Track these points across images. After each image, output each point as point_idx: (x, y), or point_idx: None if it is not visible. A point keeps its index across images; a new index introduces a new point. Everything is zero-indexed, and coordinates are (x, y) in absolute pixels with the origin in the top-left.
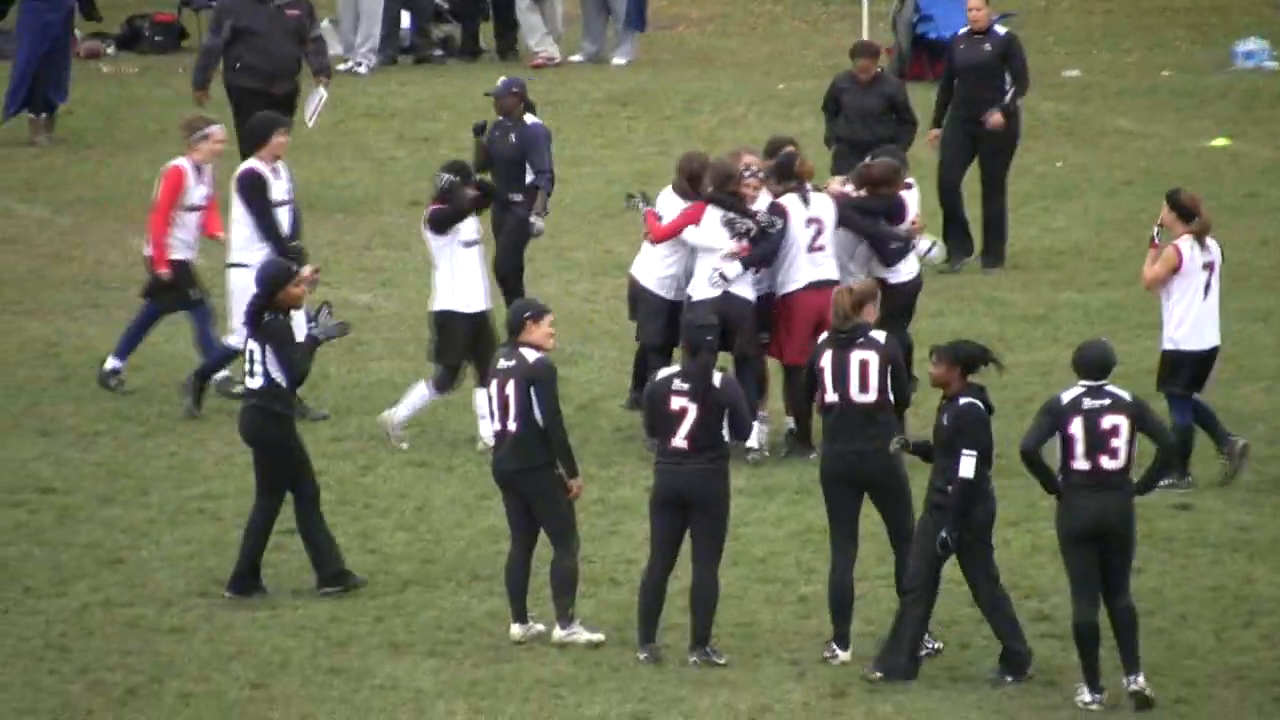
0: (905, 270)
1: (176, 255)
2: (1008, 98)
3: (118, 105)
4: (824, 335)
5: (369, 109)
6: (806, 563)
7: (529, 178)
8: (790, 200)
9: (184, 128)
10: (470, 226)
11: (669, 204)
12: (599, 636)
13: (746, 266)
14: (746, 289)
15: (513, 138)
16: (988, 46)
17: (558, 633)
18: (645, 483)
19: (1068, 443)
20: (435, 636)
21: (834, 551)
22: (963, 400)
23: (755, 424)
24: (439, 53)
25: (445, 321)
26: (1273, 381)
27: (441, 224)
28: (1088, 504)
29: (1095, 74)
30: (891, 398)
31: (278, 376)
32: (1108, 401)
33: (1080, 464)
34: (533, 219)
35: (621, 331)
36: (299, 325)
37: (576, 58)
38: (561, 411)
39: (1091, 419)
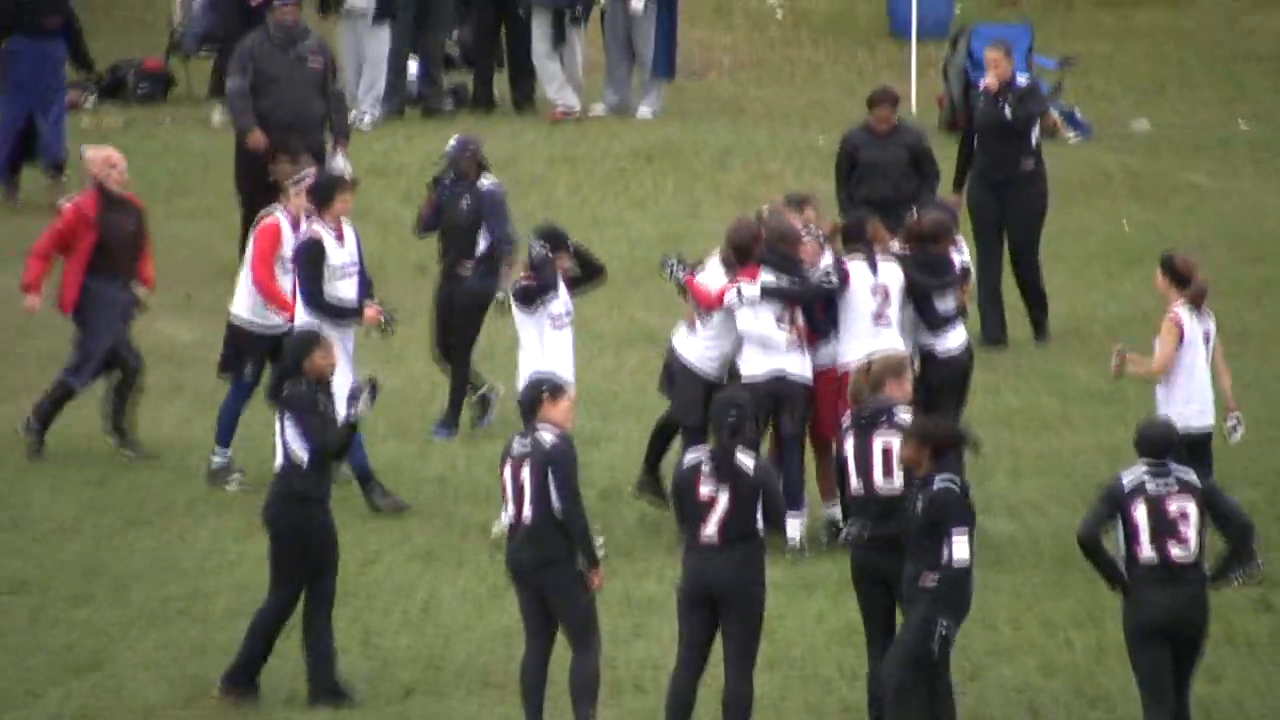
0: (954, 340)
1: (238, 314)
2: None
3: None
4: (846, 419)
5: (373, 165)
6: (850, 664)
7: (481, 246)
8: (856, 265)
9: (279, 176)
10: (563, 303)
11: (715, 277)
12: None
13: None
14: (805, 368)
15: (466, 202)
16: (1004, 105)
17: None
18: (673, 577)
19: (1132, 530)
20: None
21: (870, 652)
22: (936, 483)
23: (793, 514)
24: (450, 104)
25: None
26: None
27: (531, 299)
28: (1157, 597)
29: (1166, 125)
30: None
31: (298, 453)
32: (1174, 484)
33: (1147, 553)
34: (503, 295)
35: (649, 409)
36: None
37: (599, 109)
38: (581, 497)
39: (1157, 503)
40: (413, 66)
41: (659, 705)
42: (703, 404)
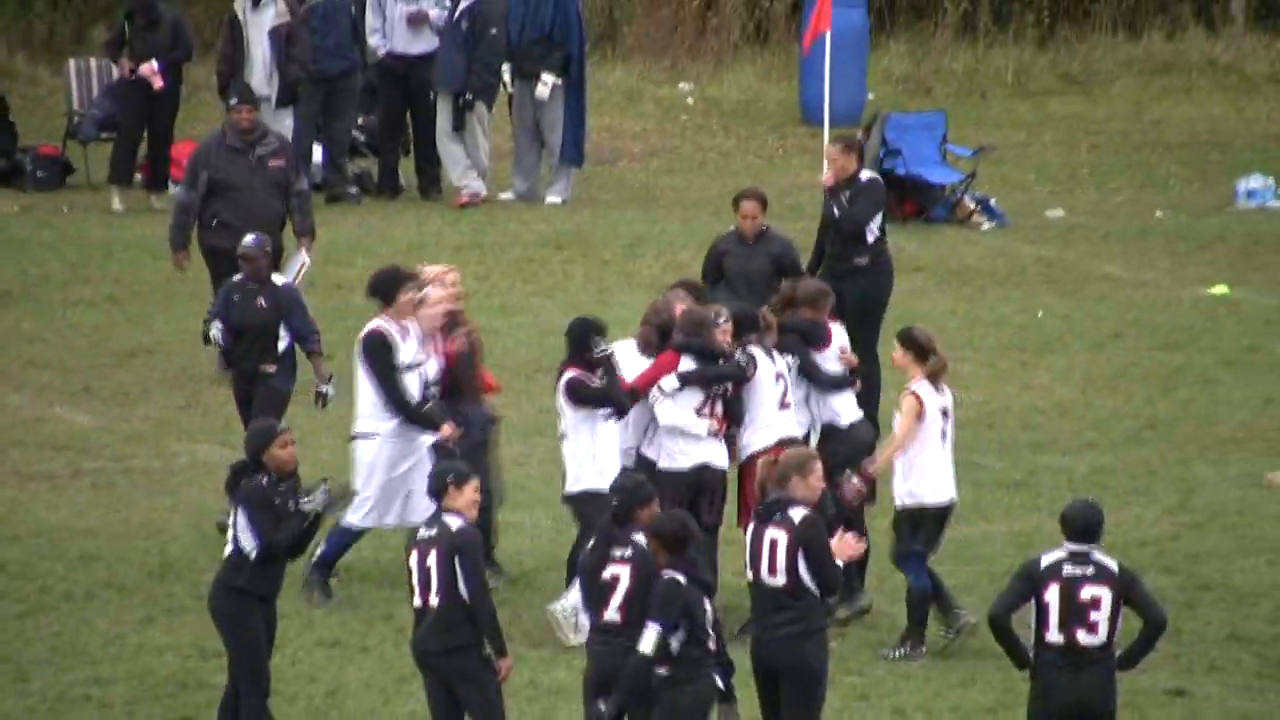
0: (851, 409)
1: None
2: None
3: None
4: (754, 507)
5: None
6: None
7: (282, 344)
8: (757, 353)
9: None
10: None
11: (630, 359)
12: None
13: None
14: (724, 458)
15: (262, 302)
16: (846, 195)
17: None
18: (581, 664)
19: (1042, 612)
20: None
21: None
22: (665, 573)
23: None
24: (354, 190)
25: (589, 503)
26: (1276, 554)
27: (584, 400)
28: (1062, 682)
29: (1081, 215)
30: (809, 582)
31: (246, 545)
32: (1090, 570)
33: (1054, 637)
34: (325, 388)
35: (556, 497)
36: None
37: (506, 195)
38: (488, 585)
39: (1070, 587)
40: (317, 152)
41: None
42: None
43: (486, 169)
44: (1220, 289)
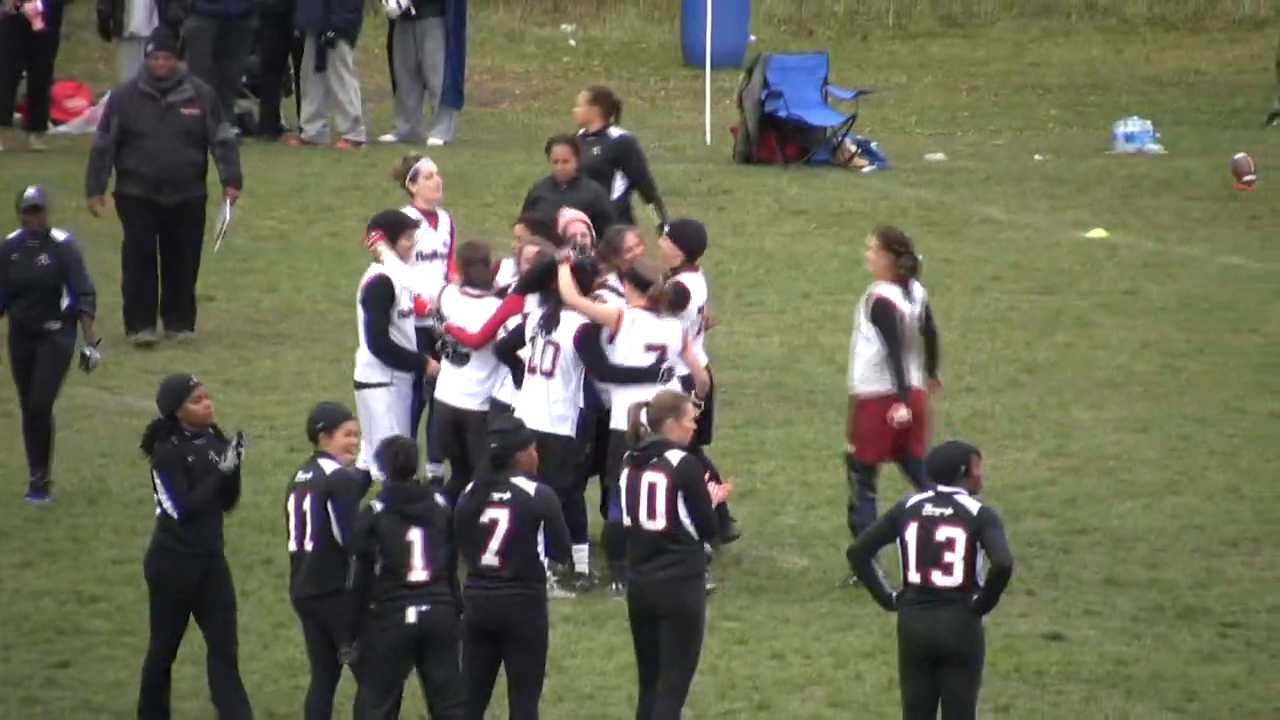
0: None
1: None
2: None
3: None
4: (627, 453)
5: None
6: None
7: (65, 302)
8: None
9: (394, 176)
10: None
11: (457, 306)
12: None
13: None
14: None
15: (44, 258)
16: (597, 150)
17: None
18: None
19: (903, 551)
20: None
21: (641, 691)
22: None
23: (581, 547)
24: (236, 131)
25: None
26: (1152, 498)
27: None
28: (918, 622)
29: (961, 158)
30: (689, 525)
31: (167, 507)
32: (949, 510)
33: (912, 576)
34: (89, 350)
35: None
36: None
37: (388, 137)
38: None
39: (927, 527)
40: None
41: None
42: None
43: (358, 112)
44: (1099, 232)
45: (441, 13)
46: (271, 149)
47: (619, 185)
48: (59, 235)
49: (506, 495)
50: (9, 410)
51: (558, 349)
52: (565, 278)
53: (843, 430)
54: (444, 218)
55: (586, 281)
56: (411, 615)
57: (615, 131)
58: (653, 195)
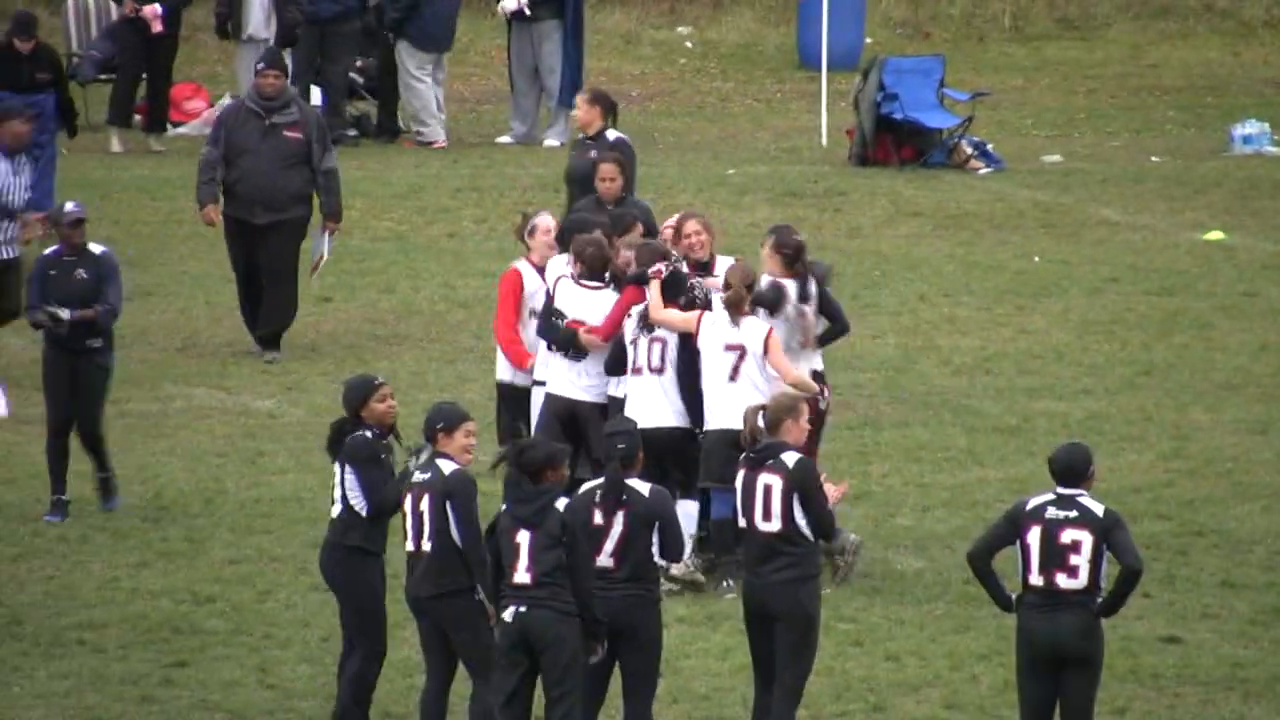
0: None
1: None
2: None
3: None
4: (742, 455)
5: None
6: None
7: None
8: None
9: (514, 231)
10: None
11: (575, 299)
12: None
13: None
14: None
15: (82, 273)
16: (593, 154)
17: None
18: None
19: (1024, 554)
20: None
21: (756, 692)
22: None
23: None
24: (353, 133)
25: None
26: (1271, 500)
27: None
28: (1041, 625)
29: (1077, 159)
30: (804, 526)
31: (357, 504)
32: (1074, 513)
33: (1035, 579)
34: (59, 311)
35: None
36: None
37: (504, 139)
38: (482, 530)
39: (1051, 530)
40: (315, 94)
41: None
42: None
43: (423, 112)
44: (1216, 234)
45: (559, 14)
46: (389, 151)
47: None
48: (96, 249)
49: (623, 497)
50: (125, 411)
51: (665, 344)
52: (654, 293)
53: (960, 432)
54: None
55: (675, 294)
56: (508, 614)
57: (613, 134)
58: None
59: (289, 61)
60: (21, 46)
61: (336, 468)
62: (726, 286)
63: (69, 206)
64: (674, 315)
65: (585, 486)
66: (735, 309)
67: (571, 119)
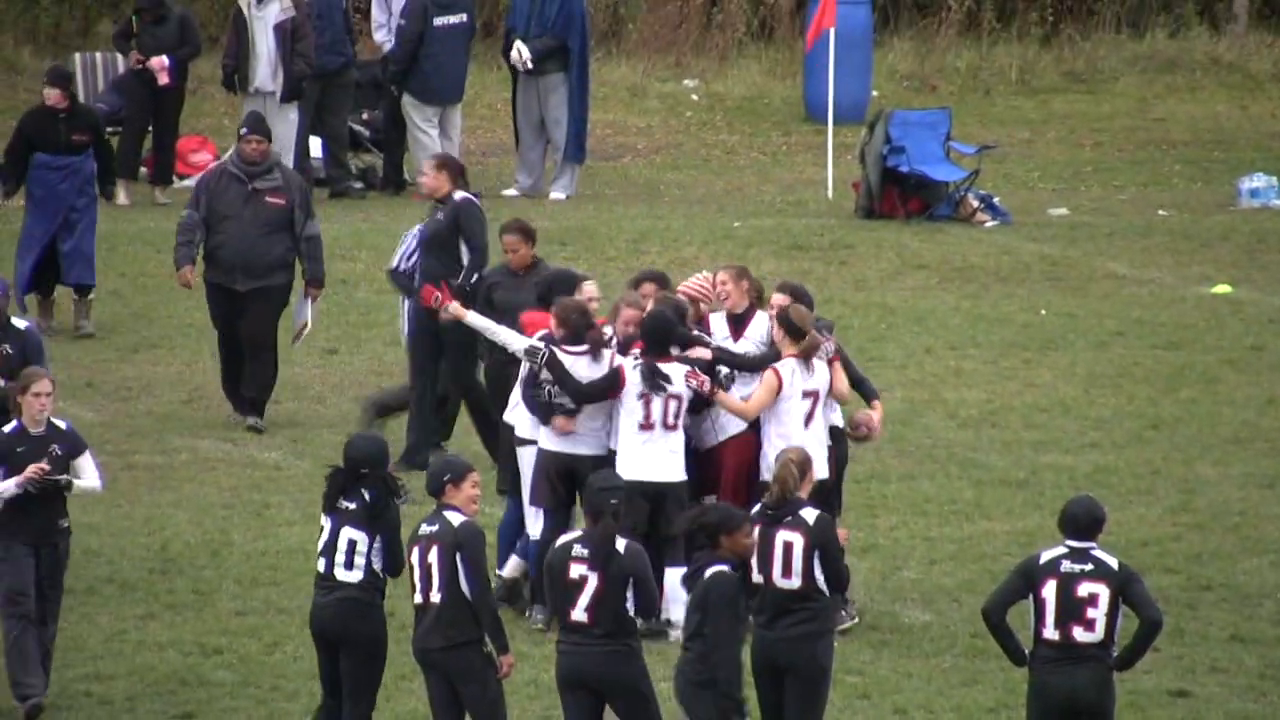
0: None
1: None
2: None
3: None
4: (756, 508)
5: None
6: None
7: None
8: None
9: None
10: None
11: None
12: None
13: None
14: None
15: (7, 348)
16: (440, 216)
17: None
18: None
19: (1039, 608)
20: None
21: None
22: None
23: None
24: (358, 185)
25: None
26: (1279, 555)
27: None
28: (1056, 678)
29: (1084, 213)
30: (821, 583)
31: (378, 565)
32: (1090, 566)
33: (1050, 633)
34: None
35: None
36: None
37: (510, 191)
38: (490, 582)
39: (1068, 583)
40: (316, 146)
41: None
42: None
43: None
44: (1224, 288)
45: (564, 68)
46: (396, 203)
47: (465, 253)
48: (20, 324)
49: (613, 554)
50: (132, 464)
51: (680, 401)
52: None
53: (967, 485)
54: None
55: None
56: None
57: (459, 194)
58: (477, 263)
59: (296, 115)
60: (58, 104)
61: (358, 532)
62: (798, 333)
63: None
64: (751, 406)
65: (563, 540)
66: (810, 354)
67: (577, 172)
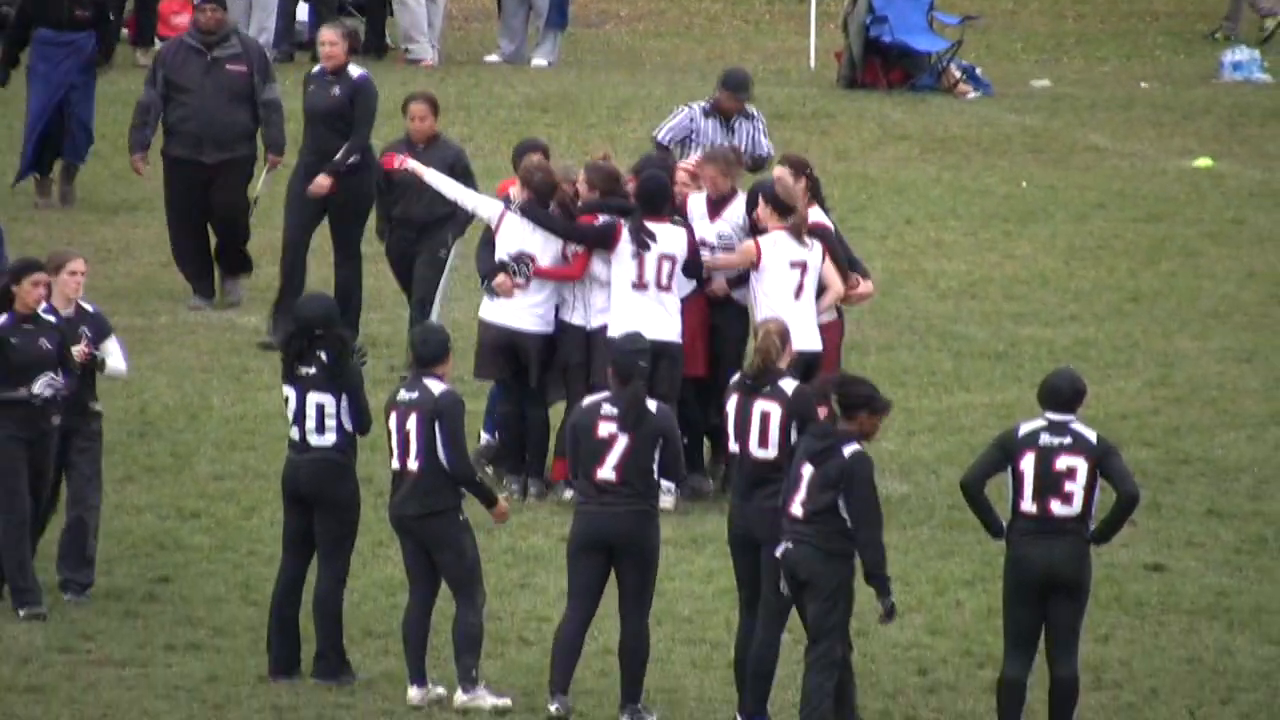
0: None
1: None
2: (339, 155)
3: None
4: (734, 378)
5: None
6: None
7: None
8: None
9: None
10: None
11: (520, 231)
12: (505, 701)
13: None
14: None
15: (45, 343)
16: (337, 90)
17: (460, 697)
18: (560, 530)
19: (1017, 481)
20: (324, 700)
21: (740, 615)
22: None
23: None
24: None
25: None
26: (1257, 428)
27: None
28: (1033, 551)
29: (1066, 84)
30: None
31: (350, 428)
32: (1068, 440)
33: (1028, 506)
34: None
35: None
36: None
37: (492, 57)
38: (468, 451)
39: (1046, 457)
40: (303, 10)
41: (544, 659)
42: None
43: (413, 30)
44: (1205, 161)
45: None
46: (377, 68)
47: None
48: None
49: (644, 414)
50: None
51: (674, 261)
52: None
53: (946, 357)
54: None
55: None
56: (779, 550)
57: (355, 70)
58: (359, 137)
59: None
60: None
61: (326, 396)
62: (785, 208)
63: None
64: (733, 259)
65: (589, 400)
66: (800, 230)
67: (559, 39)
